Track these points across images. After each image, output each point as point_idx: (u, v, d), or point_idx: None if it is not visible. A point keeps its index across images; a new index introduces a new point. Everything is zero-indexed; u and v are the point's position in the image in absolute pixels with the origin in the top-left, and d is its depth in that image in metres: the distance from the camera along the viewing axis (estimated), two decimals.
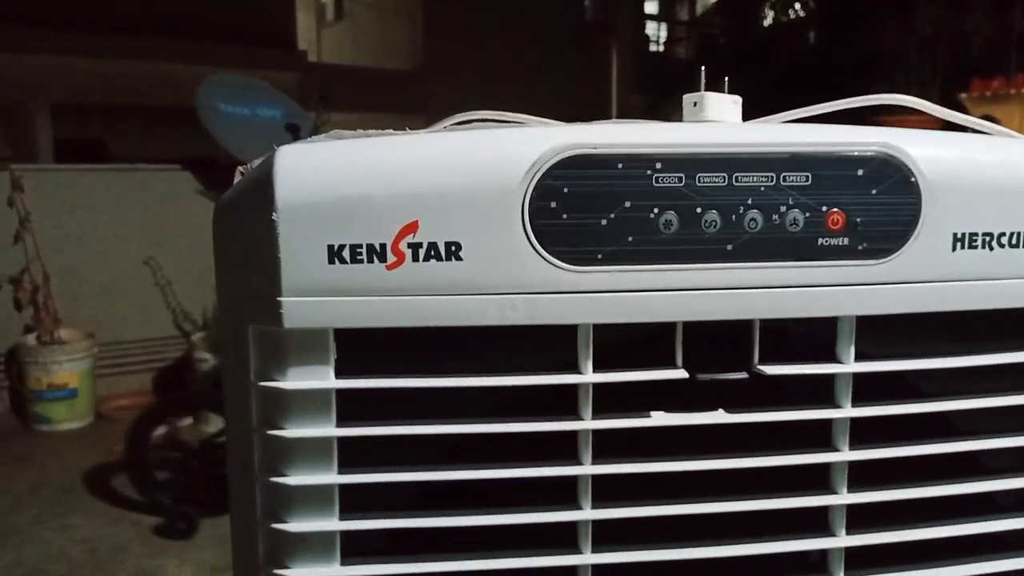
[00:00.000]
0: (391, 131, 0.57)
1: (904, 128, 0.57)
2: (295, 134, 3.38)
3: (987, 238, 0.54)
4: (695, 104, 0.58)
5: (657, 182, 0.50)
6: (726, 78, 0.59)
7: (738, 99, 0.59)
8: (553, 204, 0.50)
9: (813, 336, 0.56)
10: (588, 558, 0.54)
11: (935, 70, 3.34)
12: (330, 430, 0.52)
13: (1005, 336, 0.58)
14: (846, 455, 0.55)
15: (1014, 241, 0.55)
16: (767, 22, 9.30)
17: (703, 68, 0.58)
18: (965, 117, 0.64)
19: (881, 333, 0.56)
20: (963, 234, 0.54)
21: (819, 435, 0.56)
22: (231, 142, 3.42)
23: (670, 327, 0.54)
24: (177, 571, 2.19)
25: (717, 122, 0.57)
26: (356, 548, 0.54)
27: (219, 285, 0.54)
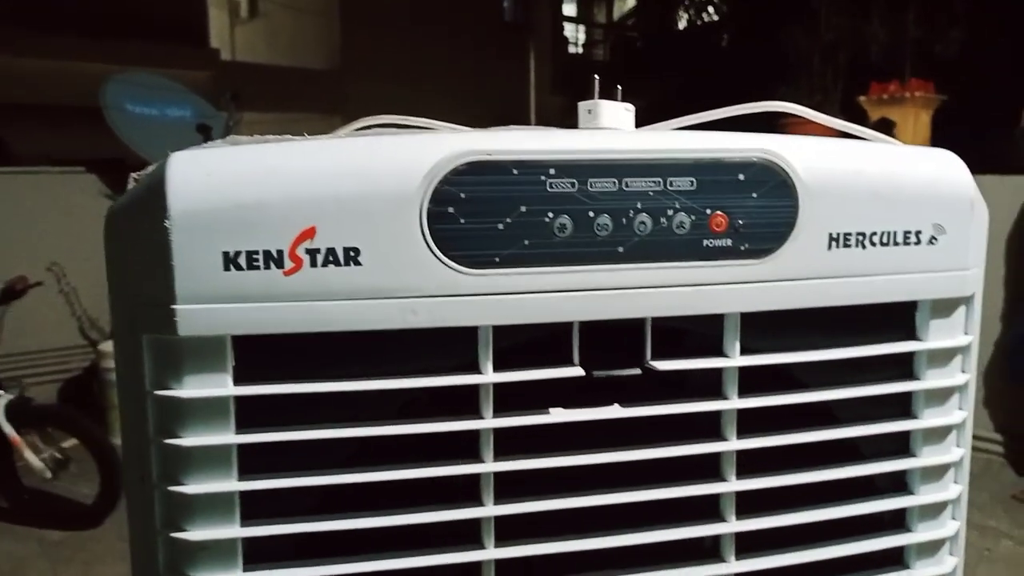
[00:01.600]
0: (289, 136, 0.57)
1: (803, 133, 0.60)
2: (206, 135, 3.30)
3: (860, 237, 0.58)
4: (589, 111, 0.60)
5: (551, 187, 0.52)
6: (619, 87, 0.62)
7: (631, 107, 0.61)
8: (451, 209, 0.51)
9: (708, 335, 0.59)
10: (491, 553, 0.55)
11: (837, 74, 3.50)
12: (229, 437, 0.51)
13: (879, 329, 0.62)
14: (734, 444, 0.58)
15: (885, 240, 0.59)
16: (682, 26, 9.54)
17: (597, 77, 0.60)
18: (847, 124, 0.68)
19: (766, 329, 0.59)
20: (838, 234, 0.57)
21: (711, 428, 0.59)
22: (139, 143, 3.32)
23: (569, 327, 0.56)
24: None
25: (610, 129, 0.59)
26: (259, 555, 0.54)
27: (112, 294, 0.53)
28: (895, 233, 0.59)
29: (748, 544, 0.61)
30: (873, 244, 0.58)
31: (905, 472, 0.64)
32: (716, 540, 0.60)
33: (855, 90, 3.41)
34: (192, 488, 0.51)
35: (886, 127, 2.96)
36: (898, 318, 0.62)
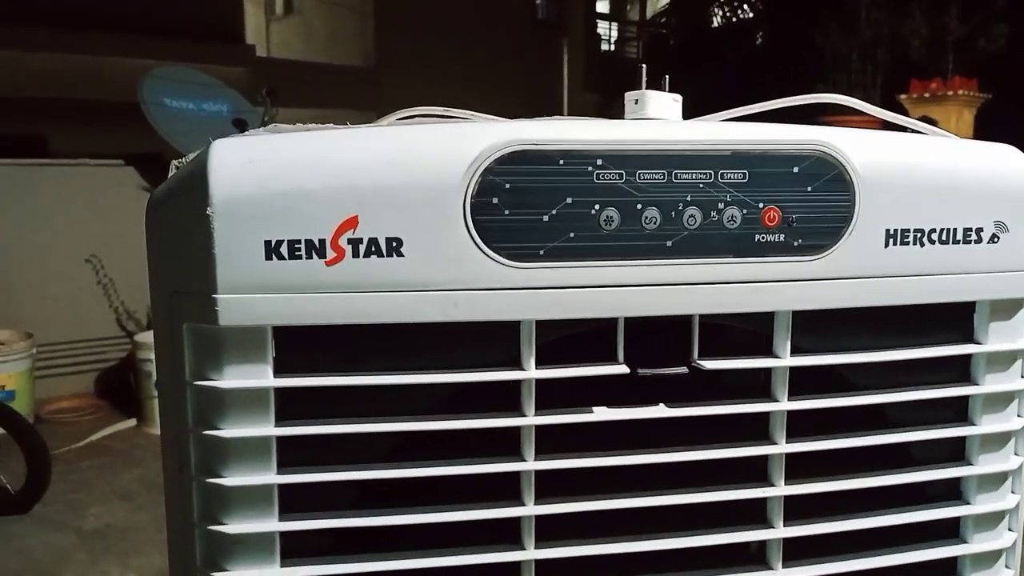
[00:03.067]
0: (331, 125, 0.56)
1: (846, 127, 0.58)
2: (242, 129, 3.32)
3: (919, 235, 0.56)
4: (636, 102, 0.59)
5: (598, 179, 0.51)
6: (667, 77, 0.60)
7: (678, 97, 0.60)
8: (495, 200, 0.50)
9: (754, 332, 0.57)
10: (531, 554, 0.54)
11: (876, 72, 3.42)
12: (268, 429, 0.51)
13: (935, 330, 0.60)
14: (783, 447, 0.57)
15: (944, 237, 0.56)
16: (716, 23, 9.44)
17: (644, 67, 0.59)
18: (900, 117, 0.66)
19: (818, 328, 0.57)
20: (895, 230, 0.55)
21: (758, 429, 0.57)
22: (176, 137, 3.35)
23: (614, 323, 0.54)
24: None
25: (658, 120, 0.58)
26: (297, 549, 0.53)
27: (152, 282, 0.53)
28: (955, 231, 0.57)
29: (795, 551, 0.59)
30: (932, 242, 0.56)
31: (960, 480, 0.62)
32: (762, 546, 0.59)
33: (895, 88, 3.33)
34: (230, 480, 0.51)
35: (928, 124, 2.90)
36: (955, 319, 0.60)
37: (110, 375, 3.55)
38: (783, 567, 0.58)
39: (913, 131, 0.66)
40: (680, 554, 0.56)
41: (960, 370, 0.61)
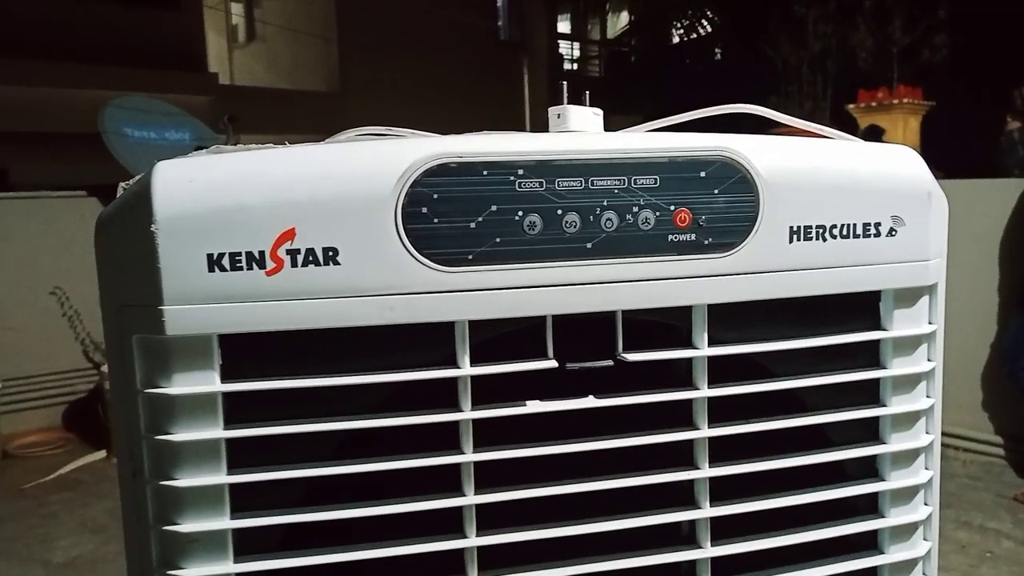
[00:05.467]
0: (270, 145, 0.60)
1: (784, 135, 0.63)
2: None
3: (821, 230, 0.60)
4: (559, 116, 0.63)
5: (520, 187, 0.55)
6: (587, 92, 0.64)
7: (599, 111, 0.64)
8: (424, 209, 0.53)
9: (678, 328, 0.61)
10: (473, 541, 0.57)
11: (826, 82, 3.52)
12: (216, 432, 0.54)
13: (846, 320, 0.65)
14: (705, 432, 0.60)
15: (845, 232, 0.61)
16: (675, 39, 9.62)
17: (564, 83, 0.63)
18: (809, 124, 0.71)
19: (737, 320, 0.61)
20: (799, 227, 0.60)
21: (685, 418, 0.61)
22: (138, 167, 3.34)
23: (543, 321, 0.58)
24: None
25: (577, 132, 0.62)
26: (249, 546, 0.56)
27: (102, 297, 0.55)
28: (855, 226, 0.61)
29: (724, 530, 0.62)
30: (833, 236, 0.61)
31: (876, 458, 0.66)
32: (692, 526, 0.62)
33: (844, 97, 3.44)
34: (183, 482, 0.54)
35: (875, 134, 2.99)
36: (864, 308, 0.65)
37: (78, 407, 3.53)
38: (712, 545, 0.61)
39: (821, 136, 0.71)
40: (616, 536, 0.60)
41: (871, 356, 0.65)
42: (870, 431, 0.67)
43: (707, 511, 0.61)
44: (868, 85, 3.37)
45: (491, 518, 0.58)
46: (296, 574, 0.55)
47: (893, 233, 0.62)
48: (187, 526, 0.54)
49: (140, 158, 3.42)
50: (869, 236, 0.62)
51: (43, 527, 2.58)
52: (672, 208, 0.57)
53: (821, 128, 0.71)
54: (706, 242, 0.58)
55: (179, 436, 0.53)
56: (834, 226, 0.61)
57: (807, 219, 0.60)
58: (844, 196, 0.61)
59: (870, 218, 0.62)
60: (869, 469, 0.67)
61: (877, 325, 0.65)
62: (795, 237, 0.60)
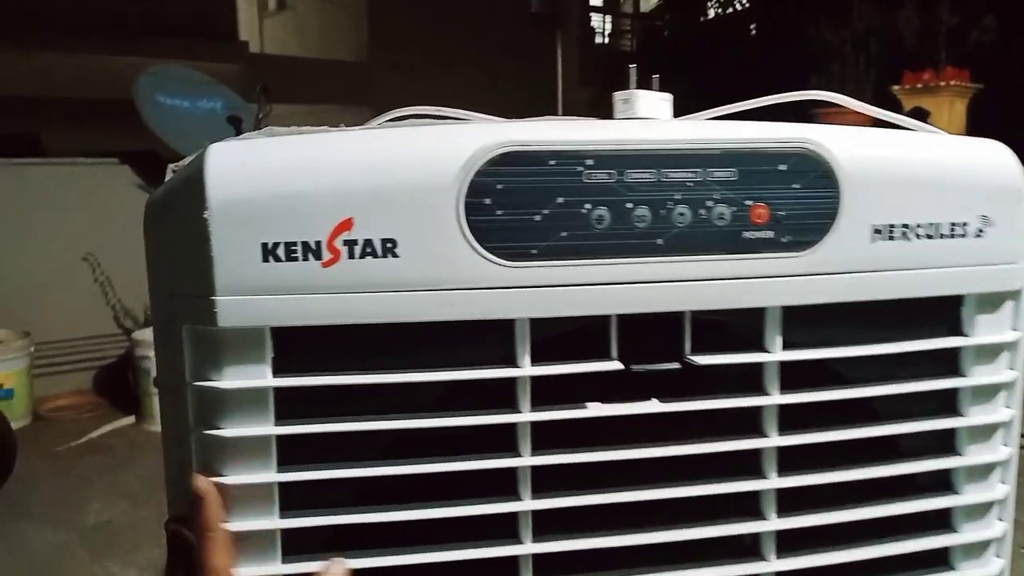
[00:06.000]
0: (326, 128, 0.57)
1: (839, 123, 0.59)
2: (237, 126, 3.29)
3: (904, 229, 0.57)
4: (625, 101, 0.59)
5: (588, 178, 0.51)
6: (657, 76, 0.61)
7: (668, 96, 0.60)
8: (487, 200, 0.50)
9: (748, 328, 0.58)
10: (529, 548, 0.55)
11: (869, 63, 3.41)
12: (268, 429, 0.51)
13: (924, 324, 0.61)
14: (775, 440, 0.57)
15: (930, 232, 0.57)
16: (711, 15, 9.44)
17: (634, 66, 0.60)
18: (890, 114, 0.67)
19: (808, 322, 0.58)
20: (881, 226, 0.56)
21: (751, 423, 0.58)
22: (170, 134, 3.33)
23: (607, 320, 0.55)
24: (122, 572, 2.12)
25: (647, 119, 0.58)
26: (296, 547, 0.54)
27: (151, 284, 0.53)
28: (940, 225, 0.57)
29: (789, 542, 0.60)
30: (918, 236, 0.57)
31: (950, 471, 0.63)
32: (756, 538, 0.59)
33: (889, 79, 3.33)
34: (231, 479, 0.52)
35: (920, 117, 2.90)
36: (943, 313, 0.61)
37: (108, 372, 3.56)
38: (777, 558, 0.59)
39: (901, 127, 0.67)
40: (676, 546, 0.57)
41: (949, 363, 0.62)
42: (942, 441, 0.63)
43: (774, 523, 0.58)
44: (913, 66, 3.26)
45: (547, 523, 0.56)
46: None
47: (980, 234, 0.59)
48: (235, 524, 0.52)
49: (172, 126, 3.42)
50: (955, 236, 0.58)
51: (75, 490, 2.62)
52: (748, 203, 0.54)
53: (902, 118, 0.67)
54: (783, 240, 0.54)
55: (229, 432, 0.51)
56: (919, 225, 0.57)
57: (891, 218, 0.56)
58: (931, 193, 0.57)
59: (958, 217, 0.58)
60: (941, 481, 0.64)
61: (956, 331, 0.61)
62: (877, 236, 0.56)
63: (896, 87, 3.29)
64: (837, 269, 0.56)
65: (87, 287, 3.53)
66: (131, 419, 3.21)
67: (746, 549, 0.60)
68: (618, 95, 0.61)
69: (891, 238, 0.56)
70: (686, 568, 0.57)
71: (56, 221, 3.48)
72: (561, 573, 0.56)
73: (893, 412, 0.62)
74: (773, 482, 0.58)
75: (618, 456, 0.55)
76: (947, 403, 0.62)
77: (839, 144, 0.55)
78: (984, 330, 0.61)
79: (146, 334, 3.24)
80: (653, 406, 0.55)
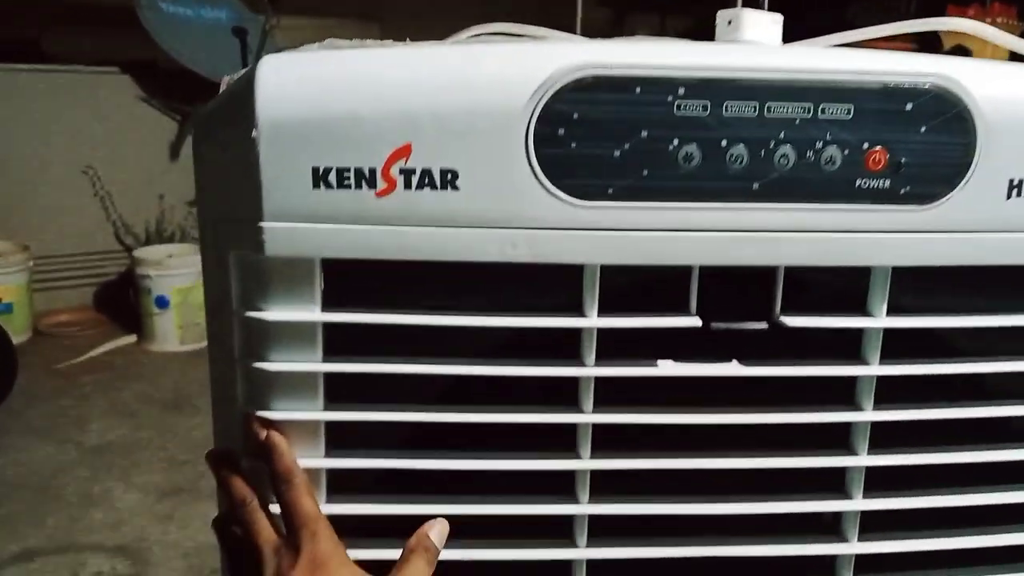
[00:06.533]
0: (390, 42, 0.52)
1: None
2: (242, 38, 3.11)
3: None
4: (729, 22, 0.52)
5: (679, 110, 0.45)
6: None
7: (779, 17, 0.53)
8: (561, 131, 0.45)
9: (839, 285, 0.51)
10: (585, 508, 0.51)
11: None
12: (315, 365, 0.49)
13: None
14: (869, 415, 0.51)
15: None
16: None
17: None
18: None
19: (918, 285, 0.51)
20: (1020, 180, 0.48)
21: (841, 392, 0.52)
22: (173, 44, 3.16)
23: (685, 272, 0.49)
24: (123, 496, 2.04)
25: (753, 43, 0.51)
26: (343, 486, 0.52)
27: (199, 205, 0.50)
28: None
29: (873, 525, 0.54)
30: None
31: None
32: (838, 516, 0.54)
33: (932, 13, 2.96)
34: (279, 415, 0.49)
35: (962, 55, 2.57)
36: None
37: (109, 289, 3.40)
38: (859, 540, 0.53)
39: None
40: (749, 518, 0.53)
41: None
42: None
43: (859, 503, 0.53)
44: (958, 1, 2.90)
45: (606, 486, 0.52)
46: (389, 519, 0.51)
47: None
48: None
49: (175, 36, 3.19)
50: None
51: (76, 408, 2.53)
52: (865, 146, 0.46)
53: None
54: (903, 191, 0.47)
55: (274, 365, 0.48)
56: None
57: None
58: None
59: None
60: None
61: None
62: (1015, 192, 0.48)
63: None
64: (964, 228, 0.48)
65: (87, 201, 3.31)
66: (132, 338, 3.09)
67: (826, 526, 0.55)
68: (722, 14, 0.53)
69: None
70: (759, 541, 0.53)
71: (55, 130, 3.21)
72: (616, 535, 0.52)
73: (1007, 392, 0.54)
74: (862, 459, 0.52)
75: (688, 420, 0.50)
76: None
77: (979, 82, 0.46)
78: None
79: (147, 252, 3.14)
80: (733, 368, 0.50)
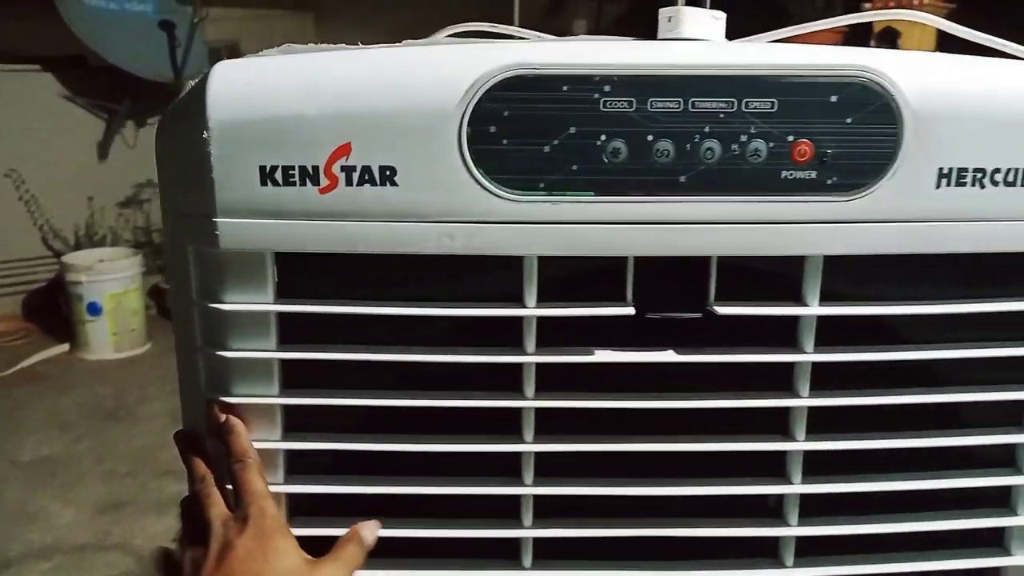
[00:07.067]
0: (343, 46, 0.55)
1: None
2: (170, 31, 3.03)
3: (979, 175, 0.49)
4: (669, 19, 0.54)
5: (605, 106, 0.47)
6: None
7: (720, 14, 0.54)
8: (492, 128, 0.47)
9: (781, 274, 0.52)
10: (530, 489, 0.54)
11: None
12: (269, 352, 0.52)
13: (1005, 281, 0.54)
14: (805, 400, 0.53)
15: (1010, 178, 0.50)
16: None
17: None
18: (986, 36, 0.57)
19: (855, 271, 0.52)
20: (950, 169, 0.49)
21: (780, 377, 0.54)
22: (97, 39, 3.06)
23: (624, 262, 0.51)
24: (61, 512, 1.97)
25: (688, 40, 0.53)
26: (300, 467, 0.54)
27: (162, 202, 0.54)
28: None
29: (816, 508, 0.55)
30: (995, 183, 0.49)
31: (1015, 447, 0.56)
32: (780, 500, 0.56)
33: None
34: (237, 399, 0.52)
35: (890, 38, 2.50)
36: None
37: (38, 297, 3.26)
38: (799, 524, 0.55)
39: (1005, 53, 0.57)
40: (689, 501, 0.54)
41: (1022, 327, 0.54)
42: (1012, 414, 0.56)
43: (798, 487, 0.54)
44: None
45: (550, 467, 0.54)
46: (343, 500, 0.54)
47: None
48: None
49: (99, 31, 3.09)
50: None
51: (9, 422, 2.42)
52: (790, 139, 0.48)
53: (999, 42, 0.57)
54: (829, 181, 0.48)
55: (231, 353, 0.51)
56: (998, 170, 0.49)
57: (962, 160, 0.49)
58: (1015, 133, 0.49)
59: None
60: (1004, 456, 0.57)
61: None
62: (944, 181, 0.49)
63: (868, 3, 2.85)
64: (892, 217, 0.49)
65: (12, 206, 3.15)
66: (65, 347, 2.97)
67: (771, 511, 0.56)
68: (664, 11, 0.55)
69: (961, 184, 0.49)
70: (700, 526, 0.54)
71: None
72: (561, 517, 0.54)
73: (957, 379, 0.55)
74: (801, 444, 0.53)
75: (627, 405, 0.52)
76: (1016, 372, 0.55)
77: (904, 73, 0.47)
78: None
79: (77, 257, 2.99)
80: (668, 356, 0.52)
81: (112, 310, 2.89)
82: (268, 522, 0.48)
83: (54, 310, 3.06)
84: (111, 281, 2.90)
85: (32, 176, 3.19)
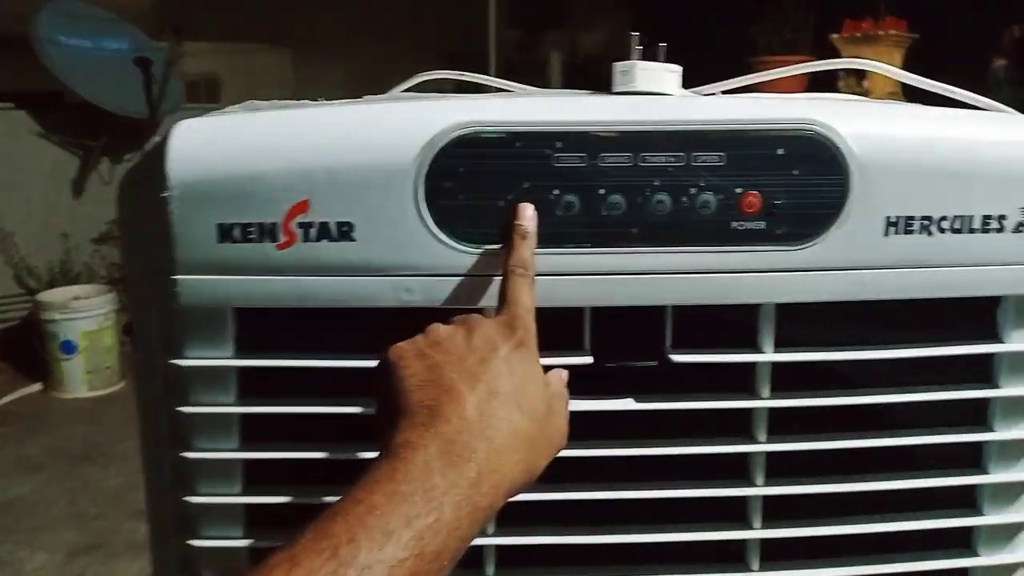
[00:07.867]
0: (306, 102, 0.56)
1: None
2: (145, 68, 3.03)
3: (926, 222, 0.50)
4: (624, 73, 0.55)
5: (557, 162, 0.48)
6: (662, 44, 0.56)
7: (676, 68, 0.55)
8: (449, 184, 0.48)
9: (738, 320, 0.53)
10: (492, 540, 0.54)
11: (809, 10, 3.03)
12: (229, 407, 0.52)
13: (952, 326, 0.55)
14: (763, 447, 0.53)
15: (958, 226, 0.51)
16: None
17: (635, 35, 0.55)
18: (932, 83, 0.59)
19: (810, 318, 0.53)
20: (897, 218, 0.50)
21: (741, 423, 0.54)
22: (74, 77, 3.07)
23: (580, 311, 0.52)
24: (31, 557, 1.91)
25: (643, 94, 0.54)
26: (261, 520, 0.54)
27: (125, 257, 0.54)
28: (971, 218, 0.51)
29: (779, 551, 0.56)
30: (942, 231, 0.50)
31: (974, 488, 0.57)
32: (742, 544, 0.56)
33: (827, 26, 2.96)
34: (197, 455, 0.53)
35: (857, 75, 2.59)
36: (975, 315, 0.54)
37: (11, 335, 3.17)
38: (760, 569, 0.55)
39: (967, 105, 0.58)
40: (652, 549, 0.54)
41: (978, 371, 0.55)
42: (968, 455, 0.57)
43: (758, 532, 0.54)
44: (853, 15, 2.89)
45: (516, 517, 0.54)
46: None
47: (1021, 228, 0.51)
48: (201, 498, 0.53)
49: (75, 69, 3.10)
50: (990, 231, 0.51)
51: None
52: (739, 191, 0.49)
53: (952, 90, 0.59)
54: (778, 231, 0.49)
55: (190, 408, 0.52)
56: (944, 218, 0.50)
57: (909, 209, 0.50)
58: (960, 182, 0.50)
59: (993, 209, 0.51)
60: (965, 497, 0.58)
61: (990, 336, 0.55)
62: (892, 229, 0.50)
63: (836, 36, 2.93)
64: (842, 265, 0.50)
65: None
66: (38, 386, 2.91)
67: (731, 555, 0.57)
68: (618, 66, 0.56)
69: (908, 232, 0.50)
70: (662, 572, 0.54)
71: None
72: (524, 566, 0.54)
73: (913, 422, 0.56)
74: (759, 489, 0.54)
75: (585, 453, 0.52)
76: (975, 415, 0.56)
77: (849, 124, 0.49)
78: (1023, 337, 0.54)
79: (51, 295, 2.94)
80: (627, 404, 0.52)
81: (86, 348, 2.84)
82: (532, 343, 0.45)
83: (27, 349, 2.98)
84: (86, 319, 2.85)
85: (6, 213, 3.15)
